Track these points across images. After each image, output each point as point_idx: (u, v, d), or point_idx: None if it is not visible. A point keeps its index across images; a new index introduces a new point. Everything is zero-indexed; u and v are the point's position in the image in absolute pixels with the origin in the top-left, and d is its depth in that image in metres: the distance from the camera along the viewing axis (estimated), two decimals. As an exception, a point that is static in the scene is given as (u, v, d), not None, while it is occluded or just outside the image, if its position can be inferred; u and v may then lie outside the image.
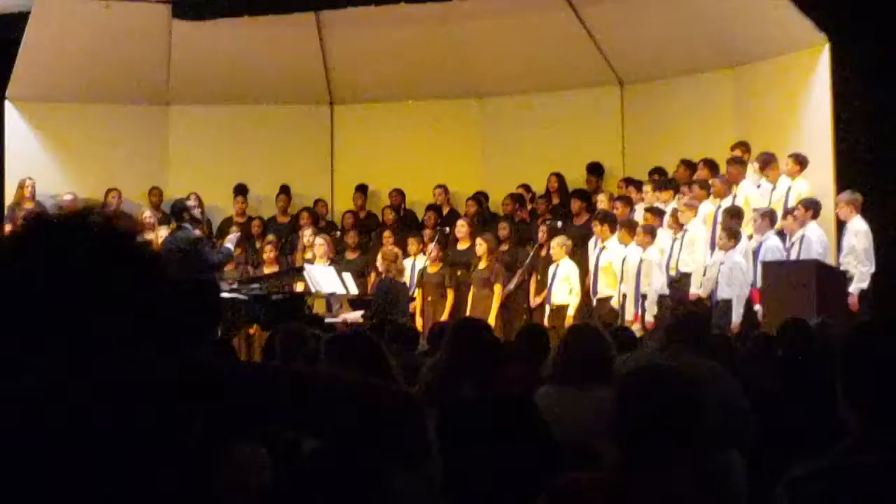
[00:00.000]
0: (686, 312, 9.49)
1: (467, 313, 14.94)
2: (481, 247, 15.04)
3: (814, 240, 12.76)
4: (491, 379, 5.33)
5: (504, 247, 15.53)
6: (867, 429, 2.94)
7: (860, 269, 12.71)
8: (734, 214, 13.46)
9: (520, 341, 6.90)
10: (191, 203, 14.28)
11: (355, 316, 13.51)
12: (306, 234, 15.89)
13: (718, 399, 6.17)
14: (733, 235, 13.13)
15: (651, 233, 13.92)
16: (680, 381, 3.57)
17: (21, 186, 16.59)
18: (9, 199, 16.70)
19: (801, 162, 13.77)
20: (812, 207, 13.01)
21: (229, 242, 13.29)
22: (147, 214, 16.47)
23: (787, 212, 13.28)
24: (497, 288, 14.92)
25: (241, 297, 13.46)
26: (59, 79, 17.22)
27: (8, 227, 16.27)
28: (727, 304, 12.98)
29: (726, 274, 13.05)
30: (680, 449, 3.44)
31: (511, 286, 14.98)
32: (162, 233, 14.98)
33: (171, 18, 17.04)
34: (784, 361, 7.16)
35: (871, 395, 2.96)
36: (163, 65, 17.67)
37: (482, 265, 15.04)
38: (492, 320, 14.59)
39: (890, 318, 3.10)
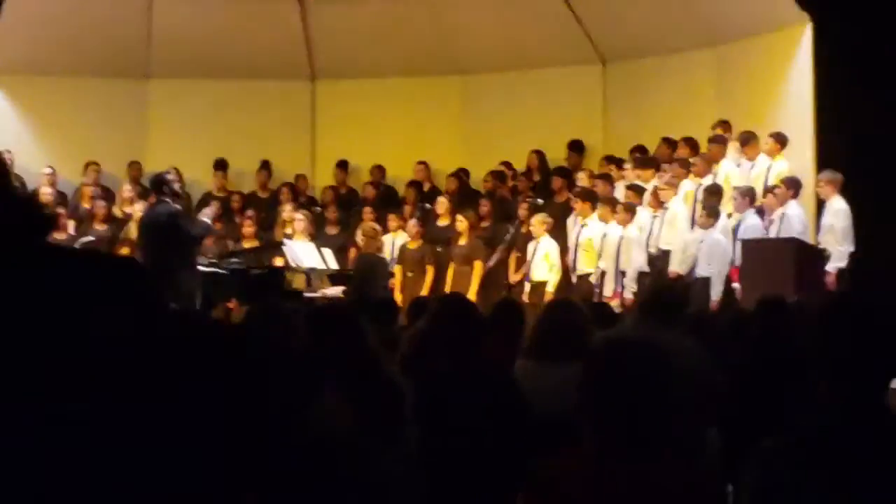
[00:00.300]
0: (660, 288, 9.50)
1: (447, 290, 14.95)
2: (462, 223, 15.04)
3: (794, 218, 12.79)
4: (469, 353, 5.33)
5: (484, 224, 15.53)
6: (838, 401, 2.96)
7: (838, 249, 12.75)
8: (714, 192, 13.49)
9: (496, 316, 6.89)
10: (171, 177, 14.21)
11: (335, 291, 13.49)
12: (286, 210, 15.87)
13: (693, 376, 6.20)
14: (713, 213, 13.16)
15: (631, 210, 13.95)
16: (649, 354, 3.54)
17: None
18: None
19: (781, 141, 13.81)
20: (793, 186, 13.05)
21: (205, 216, 13.23)
22: (126, 188, 16.42)
23: (767, 190, 13.32)
24: (477, 265, 14.92)
25: (220, 271, 13.44)
26: (38, 52, 17.13)
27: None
28: (706, 281, 13.02)
29: (706, 252, 13.09)
30: (652, 424, 3.41)
31: (491, 263, 14.99)
32: (140, 207, 14.93)
33: (153, -8, 17.00)
34: (759, 338, 7.18)
35: (843, 369, 2.97)
36: (144, 38, 17.60)
37: (462, 241, 15.04)
38: (472, 297, 14.55)
39: (863, 293, 3.13)
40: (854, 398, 2.93)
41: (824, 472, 2.86)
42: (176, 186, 12.81)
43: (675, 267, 13.54)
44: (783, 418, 5.08)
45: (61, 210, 15.79)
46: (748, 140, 14.14)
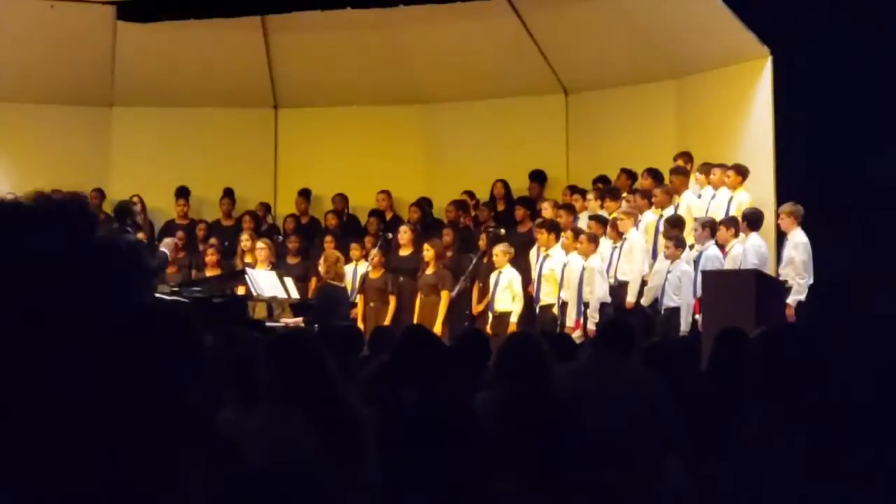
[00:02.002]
0: (614, 320, 9.56)
1: (414, 320, 14.94)
2: (428, 252, 15.05)
3: (753, 250, 12.86)
4: (433, 383, 5.35)
5: (448, 253, 15.55)
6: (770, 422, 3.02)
7: (798, 281, 12.84)
8: (675, 224, 13.56)
9: (459, 347, 6.92)
10: (136, 208, 14.23)
11: (296, 321, 13.48)
12: (246, 239, 15.84)
13: (648, 406, 6.25)
14: (679, 244, 13.22)
15: (594, 241, 13.99)
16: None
17: (-39, 185, 16.46)
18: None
19: (742, 173, 13.91)
20: (753, 218, 13.12)
21: (165, 247, 13.25)
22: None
23: (728, 222, 13.37)
24: (444, 294, 14.93)
25: (181, 299, 13.40)
26: (1, 78, 17.09)
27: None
28: (674, 312, 13.06)
29: (674, 283, 13.14)
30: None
31: (454, 293, 14.99)
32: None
33: (116, 20, 16.98)
34: (712, 370, 7.22)
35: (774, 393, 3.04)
36: (107, 66, 17.58)
37: (429, 271, 15.05)
38: (438, 326, 14.62)
39: (793, 327, 3.26)
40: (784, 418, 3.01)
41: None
42: (138, 218, 12.80)
43: (632, 298, 13.60)
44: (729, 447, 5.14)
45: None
46: (708, 171, 14.23)
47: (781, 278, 12.92)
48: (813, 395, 3.06)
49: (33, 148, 17.64)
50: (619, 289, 13.79)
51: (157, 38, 17.10)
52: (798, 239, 12.93)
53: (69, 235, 2.03)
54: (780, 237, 13.47)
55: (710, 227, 13.28)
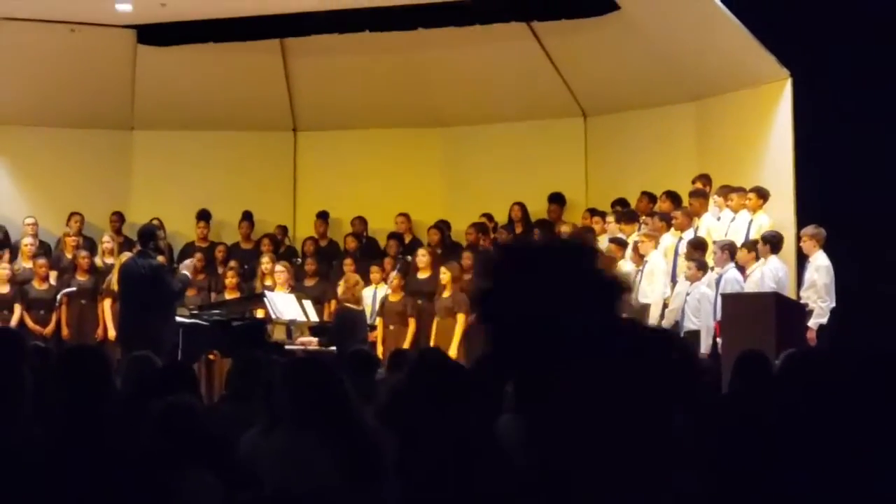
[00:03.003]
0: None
1: (431, 342, 14.93)
2: (445, 276, 15.03)
3: (767, 274, 12.80)
4: (450, 406, 5.32)
5: (466, 276, 15.52)
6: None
7: (820, 304, 12.78)
8: (697, 246, 13.51)
9: (478, 369, 6.88)
10: (160, 232, 14.26)
11: (314, 343, 13.48)
12: (265, 261, 15.85)
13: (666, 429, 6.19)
14: (701, 267, 13.17)
15: (614, 263, 13.95)
16: None
17: (-17, 210, 16.52)
18: (-30, 221, 16.62)
19: (763, 196, 13.83)
20: (773, 241, 13.06)
21: (185, 269, 13.29)
22: (105, 239, 16.40)
23: (748, 245, 13.32)
24: (460, 317, 14.90)
25: (201, 322, 13.43)
26: (23, 102, 17.18)
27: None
28: (694, 334, 13.00)
29: (693, 305, 13.09)
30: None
31: (472, 316, 14.96)
32: (123, 258, 14.90)
33: (137, 44, 17.05)
34: (734, 393, 7.18)
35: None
36: (127, 90, 17.64)
37: (446, 294, 15.03)
38: (454, 349, 14.61)
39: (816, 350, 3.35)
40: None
41: None
42: (161, 242, 12.85)
43: (654, 320, 13.54)
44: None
45: (43, 260, 15.79)
46: (727, 194, 14.19)
47: (802, 301, 12.87)
48: (838, 421, 3.04)
49: (55, 171, 17.68)
50: (641, 311, 13.73)
51: (177, 61, 17.16)
52: (820, 262, 12.88)
53: (579, 268, 2.69)
54: (801, 260, 13.41)
55: (729, 250, 13.21)
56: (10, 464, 4.53)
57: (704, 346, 12.90)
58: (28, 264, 15.90)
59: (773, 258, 12.97)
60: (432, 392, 5.33)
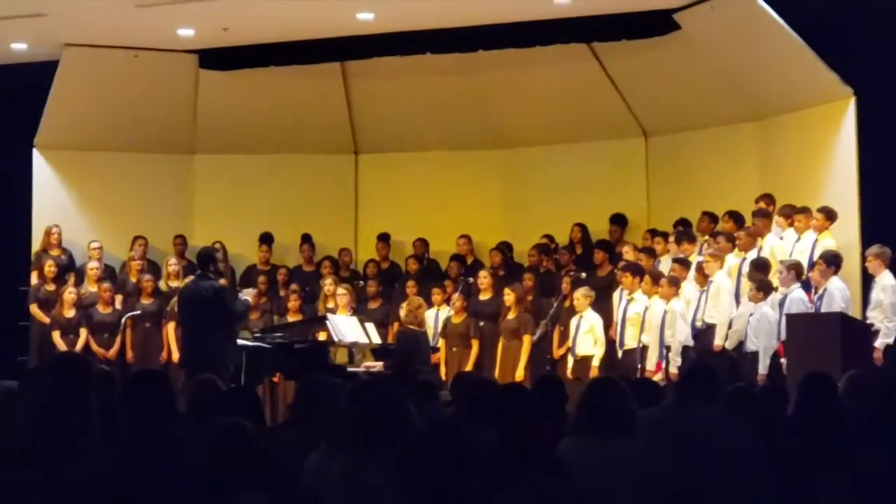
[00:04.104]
0: (697, 364, 9.43)
1: (496, 364, 15.00)
2: (509, 297, 15.04)
3: (836, 293, 12.68)
4: (515, 430, 5.31)
5: (528, 297, 15.49)
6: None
7: (886, 325, 12.65)
8: (760, 267, 13.41)
9: (537, 392, 6.88)
10: (219, 255, 14.34)
11: (377, 365, 13.50)
12: (327, 284, 15.90)
13: (729, 453, 6.16)
14: (763, 287, 13.07)
15: (676, 284, 13.89)
16: None
17: (47, 234, 16.66)
18: (35, 245, 16.77)
19: (831, 217, 13.66)
20: (833, 262, 12.92)
21: (247, 295, 13.37)
22: (172, 262, 16.50)
23: (812, 265, 13.21)
24: (526, 339, 14.91)
25: (264, 345, 13.49)
26: (86, 127, 17.33)
27: (34, 274, 16.36)
28: (755, 356, 12.92)
29: (754, 325, 13.01)
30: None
31: (535, 337, 14.95)
32: (186, 281, 15.00)
33: (199, 68, 17.18)
34: (799, 416, 7.10)
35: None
36: (189, 114, 17.78)
37: (511, 315, 15.04)
38: (521, 371, 14.67)
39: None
40: None
41: None
42: (220, 265, 12.93)
43: (719, 341, 13.46)
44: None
45: (108, 284, 15.92)
46: (790, 214, 14.07)
47: (868, 321, 12.74)
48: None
49: (119, 195, 17.81)
50: (706, 332, 13.65)
51: (238, 85, 17.29)
52: (886, 281, 12.75)
53: None
54: (866, 280, 13.27)
55: (795, 270, 13.10)
56: (77, 488, 4.56)
57: (762, 367, 12.81)
58: (93, 288, 16.05)
59: (834, 278, 12.83)
60: (496, 416, 5.32)
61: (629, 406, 5.78)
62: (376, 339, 14.24)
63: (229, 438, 4.79)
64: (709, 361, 12.56)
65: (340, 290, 15.29)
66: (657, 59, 16.01)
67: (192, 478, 4.58)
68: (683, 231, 15.28)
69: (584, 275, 15.37)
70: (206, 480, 4.56)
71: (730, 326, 13.50)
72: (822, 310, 12.61)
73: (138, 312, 15.76)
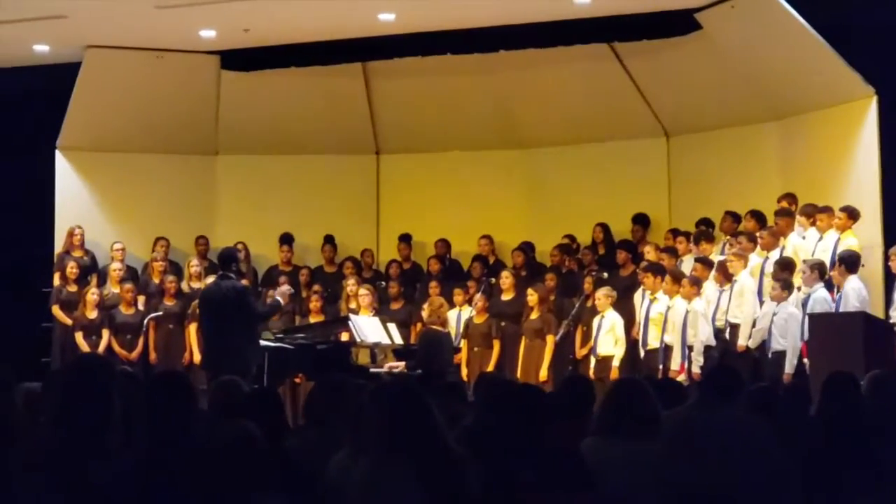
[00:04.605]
0: (720, 364, 9.41)
1: (519, 364, 14.98)
2: (532, 297, 15.03)
3: (850, 294, 12.61)
4: (537, 430, 5.31)
5: (551, 297, 15.48)
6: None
7: (909, 323, 12.61)
8: (786, 266, 13.36)
9: (563, 391, 6.86)
10: (241, 255, 14.30)
11: (400, 366, 13.49)
12: (349, 284, 15.90)
13: (752, 453, 6.14)
14: (787, 287, 13.03)
15: (698, 284, 13.86)
16: None
17: (70, 234, 16.71)
18: (58, 247, 16.82)
19: (853, 216, 13.60)
20: (845, 262, 12.83)
21: (280, 295, 13.28)
22: (194, 263, 16.52)
23: (834, 264, 13.16)
24: (549, 339, 14.90)
25: (286, 346, 13.49)
26: (108, 128, 17.38)
27: (57, 276, 16.41)
28: (780, 355, 12.87)
29: (780, 325, 12.95)
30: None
31: (557, 337, 14.94)
32: (208, 282, 15.03)
33: (221, 69, 17.22)
34: (822, 416, 7.07)
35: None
36: (211, 115, 17.82)
37: (534, 316, 15.02)
38: (544, 371, 14.66)
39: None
40: None
41: None
42: (242, 265, 12.90)
43: (743, 341, 13.42)
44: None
45: (131, 285, 15.95)
46: (812, 213, 14.02)
47: (891, 321, 12.69)
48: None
49: (140, 196, 17.86)
50: (730, 331, 13.62)
51: (260, 86, 17.33)
52: (910, 280, 12.71)
53: None
54: (888, 279, 13.23)
55: (818, 270, 13.05)
56: (100, 489, 4.57)
57: (789, 367, 12.76)
58: (116, 289, 16.08)
59: (851, 277, 12.76)
60: (519, 418, 5.32)
61: (653, 406, 5.78)
62: (399, 340, 14.23)
63: (246, 440, 4.78)
64: (731, 361, 12.55)
65: (362, 291, 15.29)
66: (678, 59, 15.99)
67: (213, 478, 4.58)
68: (701, 231, 15.25)
69: (606, 275, 15.35)
70: (221, 482, 4.55)
71: (753, 326, 13.47)
72: (840, 309, 12.56)
73: (161, 314, 15.79)
